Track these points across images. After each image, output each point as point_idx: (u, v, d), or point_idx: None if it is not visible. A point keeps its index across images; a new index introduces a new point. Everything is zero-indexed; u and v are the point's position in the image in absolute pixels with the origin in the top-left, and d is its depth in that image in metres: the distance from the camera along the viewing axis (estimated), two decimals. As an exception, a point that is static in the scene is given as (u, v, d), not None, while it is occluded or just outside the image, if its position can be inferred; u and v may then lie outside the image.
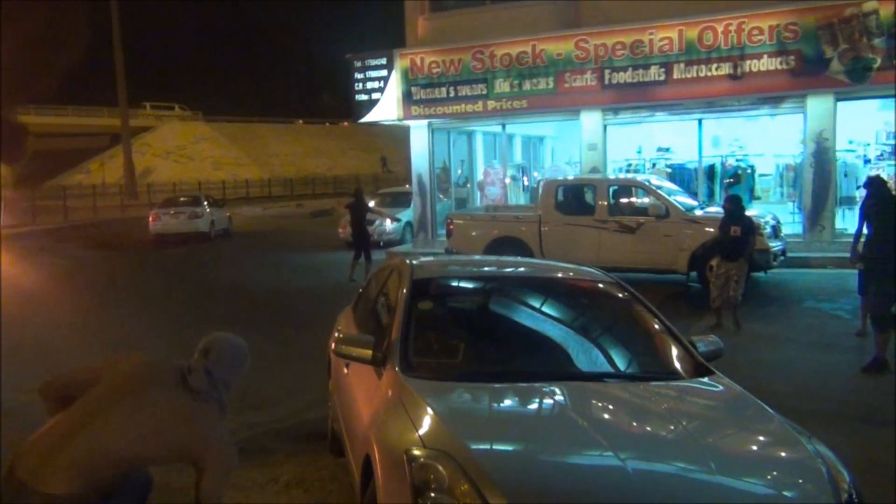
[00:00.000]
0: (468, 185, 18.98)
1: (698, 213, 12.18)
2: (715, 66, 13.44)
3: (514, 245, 12.76)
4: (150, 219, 23.22)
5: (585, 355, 3.98)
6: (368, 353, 3.75)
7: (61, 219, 31.93)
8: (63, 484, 2.71)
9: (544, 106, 15.18)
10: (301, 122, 71.10)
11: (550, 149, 20.98)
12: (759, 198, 15.64)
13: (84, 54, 37.00)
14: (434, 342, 4.03)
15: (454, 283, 4.65)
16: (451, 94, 15.68)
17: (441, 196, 18.02)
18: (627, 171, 16.20)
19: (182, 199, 25.35)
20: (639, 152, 17.07)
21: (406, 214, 18.64)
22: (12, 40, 26.88)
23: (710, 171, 15.62)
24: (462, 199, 18.61)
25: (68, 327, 10.54)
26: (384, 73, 16.47)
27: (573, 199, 12.95)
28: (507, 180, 18.14)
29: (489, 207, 15.17)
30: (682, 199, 12.43)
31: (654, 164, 16.52)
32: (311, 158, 64.21)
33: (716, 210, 12.92)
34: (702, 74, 13.56)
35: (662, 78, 13.89)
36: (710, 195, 15.41)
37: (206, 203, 24.25)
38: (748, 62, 13.14)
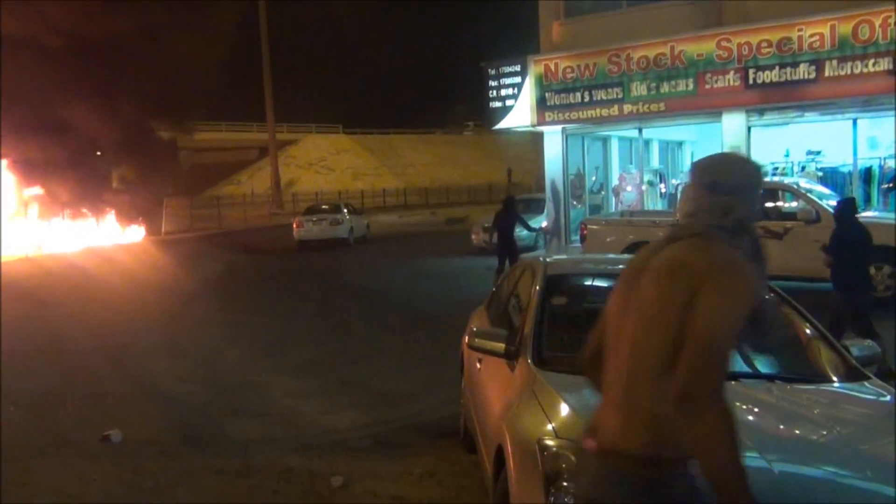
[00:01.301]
0: (603, 192, 18.66)
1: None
2: (872, 61, 12.53)
3: (651, 251, 12.40)
4: (295, 225, 24.42)
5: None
6: (501, 346, 3.80)
7: (216, 226, 34.20)
8: (630, 437, 2.07)
9: (684, 108, 14.69)
10: (438, 132, 72.44)
11: (690, 153, 20.27)
12: (923, 202, 14.42)
13: (232, 75, 39.77)
14: (566, 337, 4.01)
15: (587, 280, 4.62)
16: (586, 99, 15.49)
17: (575, 203, 17.83)
18: (774, 175, 15.37)
19: (324, 207, 26.49)
20: (786, 155, 16.16)
21: (538, 220, 18.60)
22: (175, 63, 29.26)
23: (867, 175, 14.54)
24: (597, 206, 18.31)
25: (219, 325, 11.27)
26: (518, 79, 16.51)
27: (714, 203, 12.44)
28: (644, 186, 17.70)
29: (625, 213, 14.85)
30: (834, 204, 11.67)
31: (802, 168, 15.60)
32: (445, 168, 65.32)
33: (873, 215, 12.06)
34: (857, 71, 12.67)
35: (813, 76, 13.10)
36: (867, 200, 14.35)
37: (345, 211, 25.24)
38: (911, 56, 12.19)
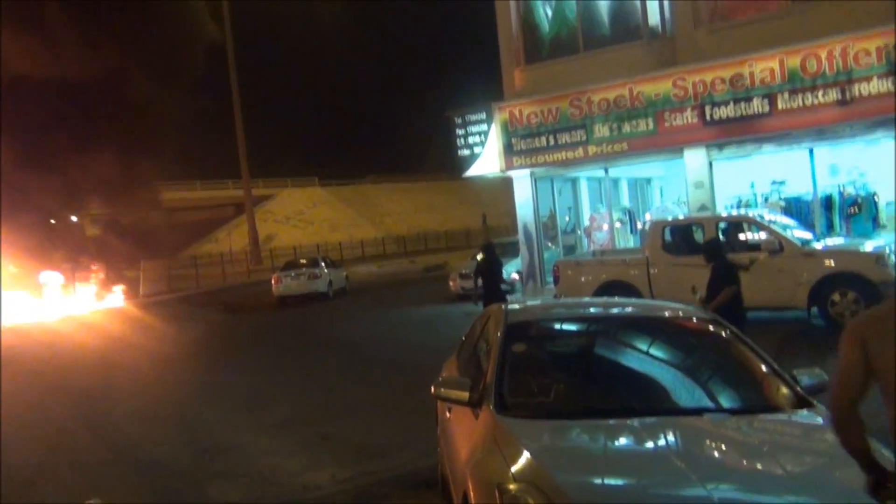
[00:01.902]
0: (578, 232, 18.95)
1: (817, 245, 11.75)
2: (821, 93, 13.01)
3: (623, 289, 12.65)
4: (273, 281, 24.43)
5: (682, 390, 4.00)
6: (465, 394, 3.94)
7: (194, 285, 34.12)
8: None
9: (645, 147, 15.10)
10: (414, 180, 72.96)
11: (659, 189, 20.69)
12: (884, 226, 14.81)
13: (205, 132, 40.39)
14: (529, 383, 4.16)
15: (547, 325, 4.78)
16: (551, 143, 15.86)
17: (549, 244, 18.09)
18: (738, 207, 15.77)
19: (302, 261, 26.57)
20: (752, 187, 16.58)
21: (514, 264, 18.85)
22: (149, 126, 29.66)
23: (828, 202, 14.95)
24: (570, 246, 18.58)
25: (199, 386, 11.27)
26: (484, 126, 16.89)
27: (681, 239, 12.76)
28: (617, 224, 18.02)
29: (596, 252, 15.11)
30: (797, 234, 12.01)
31: (766, 199, 16.00)
32: (422, 214, 65.73)
33: (837, 242, 12.41)
34: (808, 103, 13.15)
35: (767, 109, 13.56)
36: (830, 227, 14.73)
37: (323, 264, 25.33)
38: (857, 86, 12.66)
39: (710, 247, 8.70)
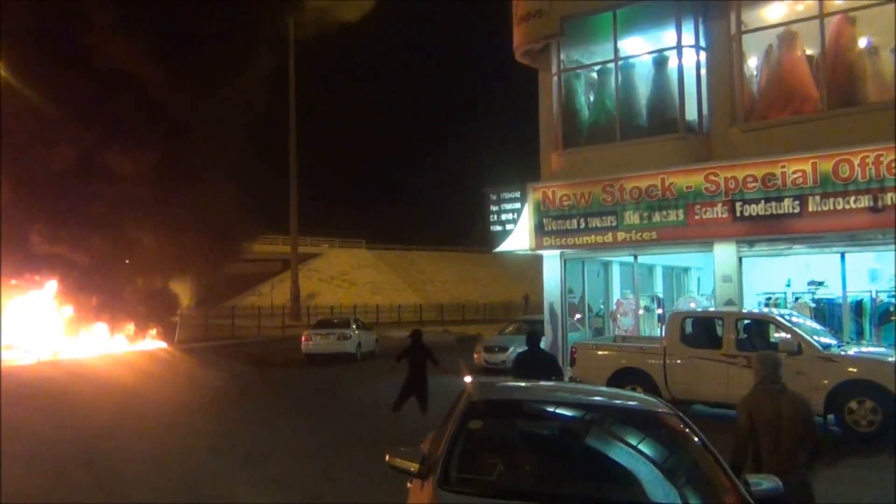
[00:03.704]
0: (615, 314, 18.80)
1: (839, 351, 11.54)
2: (853, 198, 12.98)
3: (638, 377, 12.59)
4: (303, 339, 24.71)
5: (627, 484, 4.03)
6: (415, 466, 4.04)
7: (229, 335, 34.69)
8: None
9: (675, 237, 15.13)
10: (460, 250, 73.53)
11: (697, 280, 20.55)
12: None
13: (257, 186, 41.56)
14: (481, 460, 4.24)
15: (509, 406, 4.84)
16: (582, 226, 16.01)
17: (579, 326, 18.05)
18: (766, 305, 15.57)
19: (334, 321, 26.88)
20: (787, 285, 16.36)
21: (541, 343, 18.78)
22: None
23: (858, 307, 14.67)
24: (599, 329, 18.50)
25: (208, 435, 11.45)
26: (517, 205, 17.19)
27: (700, 331, 12.69)
28: (642, 311, 17.90)
29: (616, 338, 15.05)
30: (823, 339, 11.81)
31: (796, 299, 15.77)
32: (464, 285, 65.90)
33: (871, 350, 12.13)
34: (839, 207, 13.10)
35: (797, 210, 13.53)
36: (860, 333, 14.42)
37: (354, 326, 25.55)
38: (889, 195, 12.58)
39: (530, 334, 9.49)
